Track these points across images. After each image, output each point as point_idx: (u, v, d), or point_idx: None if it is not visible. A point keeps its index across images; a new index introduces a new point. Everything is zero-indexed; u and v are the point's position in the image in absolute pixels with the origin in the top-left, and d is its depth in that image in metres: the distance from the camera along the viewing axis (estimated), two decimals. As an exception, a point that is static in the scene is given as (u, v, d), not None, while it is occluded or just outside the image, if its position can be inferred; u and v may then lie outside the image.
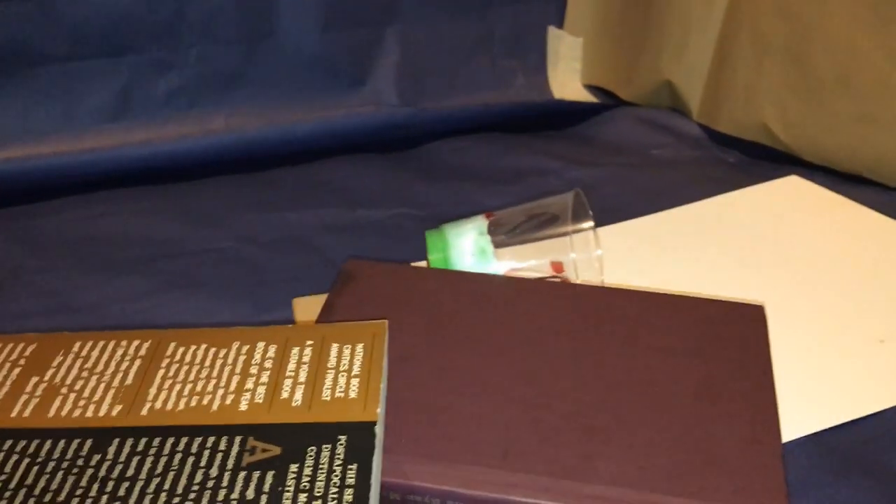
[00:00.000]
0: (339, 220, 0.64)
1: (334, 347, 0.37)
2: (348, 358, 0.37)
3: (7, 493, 0.31)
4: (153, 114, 0.74)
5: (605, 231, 0.62)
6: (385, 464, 0.35)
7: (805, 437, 0.41)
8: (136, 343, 0.38)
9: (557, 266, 0.48)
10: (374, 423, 0.33)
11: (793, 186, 0.68)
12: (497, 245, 0.48)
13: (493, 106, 0.84)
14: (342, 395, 0.35)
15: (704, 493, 0.34)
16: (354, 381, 0.35)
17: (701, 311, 0.44)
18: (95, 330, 0.48)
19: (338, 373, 0.36)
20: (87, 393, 0.35)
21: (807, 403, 0.43)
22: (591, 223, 0.50)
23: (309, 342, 0.38)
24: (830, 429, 0.42)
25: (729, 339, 0.42)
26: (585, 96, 0.88)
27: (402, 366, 0.40)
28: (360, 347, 0.37)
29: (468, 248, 0.48)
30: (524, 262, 0.48)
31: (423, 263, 0.57)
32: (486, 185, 0.71)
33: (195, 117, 0.76)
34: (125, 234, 0.62)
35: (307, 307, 0.49)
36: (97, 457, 0.32)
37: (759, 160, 0.78)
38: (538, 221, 0.49)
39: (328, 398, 0.34)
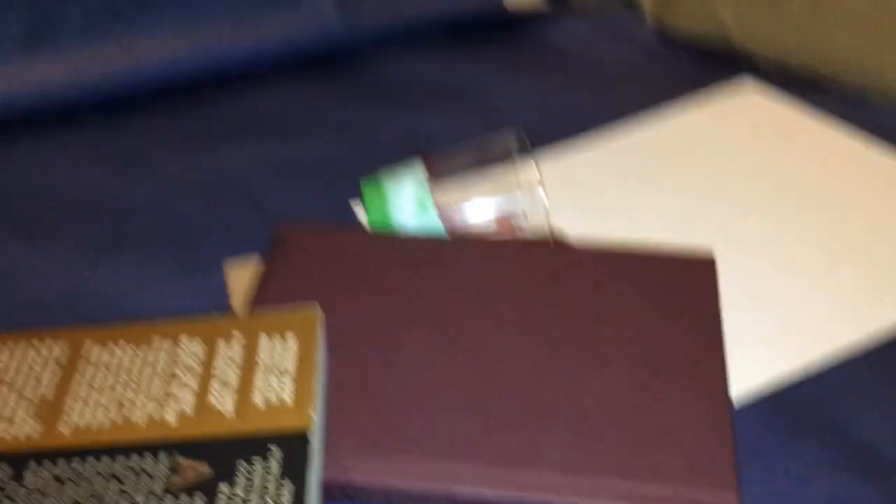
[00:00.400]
0: (275, 156, 0.61)
1: (264, 341, 0.35)
2: (280, 353, 0.34)
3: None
4: (62, 44, 0.68)
5: (549, 163, 0.60)
6: (325, 459, 0.33)
7: (758, 397, 0.40)
8: (51, 345, 0.35)
9: (503, 222, 0.45)
10: (308, 432, 0.31)
11: (744, 95, 0.66)
12: (436, 196, 0.45)
13: (439, 16, 0.79)
14: (274, 398, 0.33)
15: (655, 474, 0.33)
16: (287, 381, 0.33)
17: (650, 268, 0.42)
18: (7, 315, 0.45)
19: (268, 372, 0.34)
20: (-1, 409, 0.33)
21: (759, 352, 0.43)
22: (534, 168, 0.47)
23: (237, 336, 0.35)
24: (783, 388, 0.41)
25: (679, 300, 0.40)
26: (536, 4, 0.83)
27: (341, 347, 0.38)
28: (291, 341, 0.35)
29: (407, 201, 0.45)
30: (467, 214, 0.45)
31: (361, 210, 0.54)
32: (428, 108, 0.67)
33: (112, 45, 0.70)
34: (40, 189, 0.58)
35: (239, 273, 0.46)
36: (13, 484, 0.30)
37: (715, 66, 0.75)
38: (479, 167, 0.46)
39: (259, 403, 0.33)
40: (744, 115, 0.63)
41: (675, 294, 0.41)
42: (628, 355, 0.38)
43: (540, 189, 0.45)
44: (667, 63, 0.75)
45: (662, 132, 0.62)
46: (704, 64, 0.74)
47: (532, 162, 0.46)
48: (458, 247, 0.43)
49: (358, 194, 0.56)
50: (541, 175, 0.47)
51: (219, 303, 0.47)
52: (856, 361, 0.42)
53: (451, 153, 0.48)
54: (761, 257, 0.49)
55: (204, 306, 0.47)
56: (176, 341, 0.35)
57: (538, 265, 0.42)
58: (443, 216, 0.45)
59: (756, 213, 0.53)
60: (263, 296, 0.41)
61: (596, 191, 0.55)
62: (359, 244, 0.44)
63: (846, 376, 0.42)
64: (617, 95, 0.69)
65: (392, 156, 0.61)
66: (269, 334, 0.35)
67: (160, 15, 0.71)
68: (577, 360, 0.38)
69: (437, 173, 0.46)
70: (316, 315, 0.36)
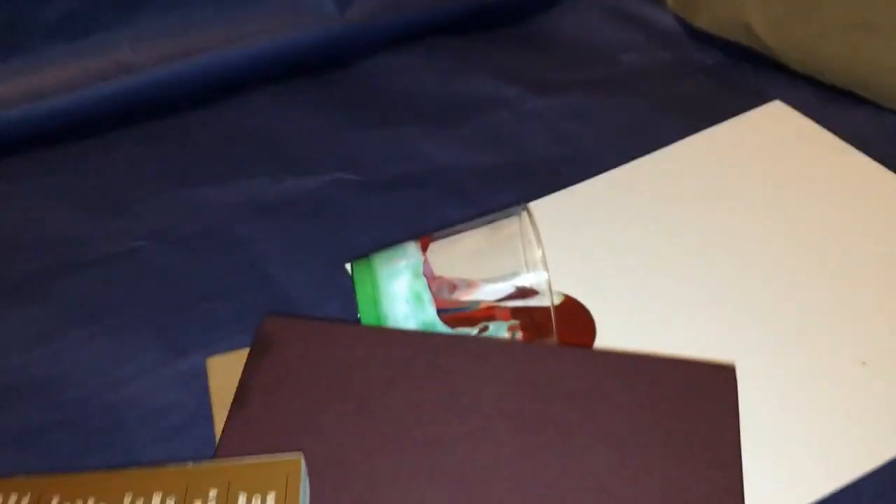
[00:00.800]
0: (265, 195, 0.57)
1: (242, 499, 0.32)
2: (258, 515, 0.32)
3: None
4: (38, 54, 0.64)
5: (559, 196, 0.55)
6: None
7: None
8: (16, 499, 0.33)
9: (504, 313, 0.42)
10: None
11: (772, 119, 0.61)
12: (433, 284, 0.42)
13: (445, 4, 0.73)
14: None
15: None
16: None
17: (664, 379, 0.39)
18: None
19: (246, 542, 0.31)
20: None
21: (782, 478, 0.40)
22: (540, 246, 0.43)
23: (213, 492, 0.33)
24: None
25: (695, 419, 0.37)
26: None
27: (328, 471, 0.35)
28: (271, 497, 0.32)
29: (401, 293, 0.42)
30: (468, 300, 0.42)
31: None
32: (430, 129, 0.62)
33: (90, 50, 0.66)
34: (6, 235, 0.54)
35: (223, 369, 0.43)
36: None
37: (740, 62, 0.69)
38: (483, 247, 0.43)
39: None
40: (768, 153, 0.58)
41: (692, 409, 0.38)
42: (639, 486, 0.35)
43: (545, 272, 0.41)
44: (692, 61, 0.70)
45: (676, 166, 0.57)
46: (733, 59, 0.69)
47: (537, 239, 0.42)
48: (453, 345, 0.40)
49: (357, 244, 0.53)
50: (544, 253, 0.43)
51: (199, 386, 0.44)
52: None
53: (450, 231, 0.44)
54: (783, 358, 0.45)
55: (183, 394, 0.44)
56: (148, 498, 0.33)
57: (539, 369, 0.39)
58: (440, 305, 0.42)
59: (777, 292, 0.49)
60: (245, 401, 0.38)
61: (603, 235, 0.51)
62: (347, 342, 0.40)
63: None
64: (637, 111, 0.64)
65: (391, 193, 0.57)
66: (248, 490, 0.33)
67: (135, 20, 0.66)
68: (577, 486, 0.35)
69: (436, 256, 0.43)
70: (298, 463, 0.33)
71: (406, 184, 0.58)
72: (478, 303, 0.42)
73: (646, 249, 0.51)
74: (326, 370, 0.40)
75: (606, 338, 0.46)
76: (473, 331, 0.42)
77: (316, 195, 0.57)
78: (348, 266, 0.51)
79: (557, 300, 0.48)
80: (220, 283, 0.51)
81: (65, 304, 0.49)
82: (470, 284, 0.42)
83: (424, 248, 0.43)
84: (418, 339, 0.40)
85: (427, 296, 0.41)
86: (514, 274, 0.42)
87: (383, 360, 0.40)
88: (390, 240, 0.53)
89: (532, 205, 0.55)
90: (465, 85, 0.67)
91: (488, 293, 0.42)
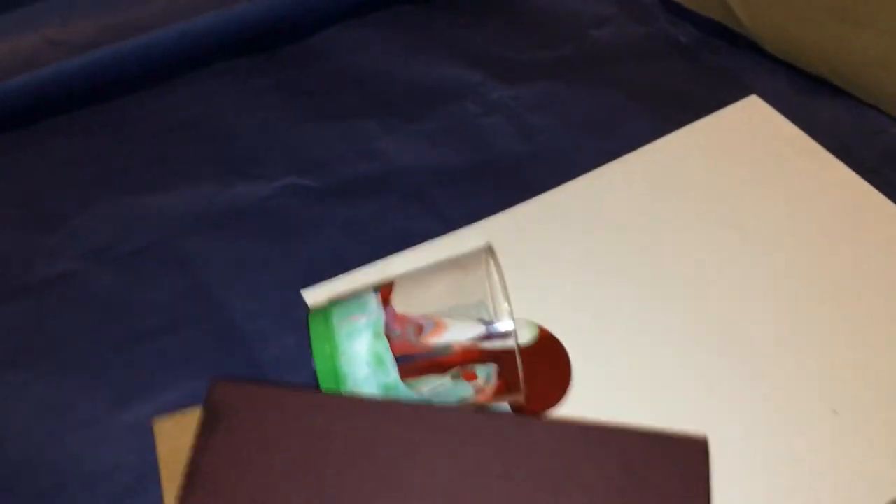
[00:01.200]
0: (212, 204, 0.53)
1: None
2: None
3: None
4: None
5: (527, 208, 0.52)
6: None
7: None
8: None
9: (469, 375, 0.40)
10: None
11: (748, 118, 0.58)
12: (394, 340, 0.39)
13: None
14: None
15: None
16: None
17: (633, 452, 0.37)
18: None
19: None
20: None
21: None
22: (505, 291, 0.41)
23: None
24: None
25: (666, 494, 0.36)
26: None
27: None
28: None
29: (362, 355, 0.39)
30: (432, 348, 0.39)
31: (309, 304, 0.48)
32: (390, 122, 0.58)
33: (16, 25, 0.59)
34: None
35: (171, 433, 0.41)
36: None
37: (715, 40, 0.66)
38: (447, 296, 0.40)
39: None
40: (743, 160, 0.55)
41: (659, 485, 0.36)
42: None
43: (511, 317, 0.39)
44: (666, 36, 0.66)
45: (646, 172, 0.55)
46: (707, 35, 0.65)
47: (502, 285, 0.40)
48: (416, 416, 0.38)
49: (307, 272, 0.50)
50: (510, 302, 0.40)
51: (146, 443, 0.42)
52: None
53: (412, 279, 0.41)
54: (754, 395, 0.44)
55: (129, 451, 0.42)
56: None
57: (505, 442, 0.37)
58: (407, 351, 0.39)
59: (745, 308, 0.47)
60: (196, 485, 0.36)
61: (568, 249, 0.49)
62: (304, 412, 0.38)
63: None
64: (607, 97, 0.60)
65: (348, 201, 0.53)
66: None
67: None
68: None
69: (398, 296, 0.40)
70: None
71: (365, 189, 0.54)
72: (449, 346, 0.39)
73: (615, 268, 0.49)
74: (282, 444, 0.37)
75: (581, 376, 0.44)
76: (446, 377, 0.40)
77: (267, 204, 0.53)
78: (303, 293, 0.48)
79: (532, 334, 0.46)
80: (165, 313, 0.47)
81: (-3, 343, 0.46)
82: (437, 324, 0.40)
83: (385, 301, 0.40)
84: (379, 409, 0.38)
85: (389, 357, 0.39)
86: (482, 321, 0.39)
87: (342, 434, 0.37)
88: (348, 257, 0.50)
89: (499, 217, 0.52)
90: (427, 67, 0.62)
91: (457, 334, 0.39)
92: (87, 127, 0.57)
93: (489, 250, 0.43)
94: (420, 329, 0.39)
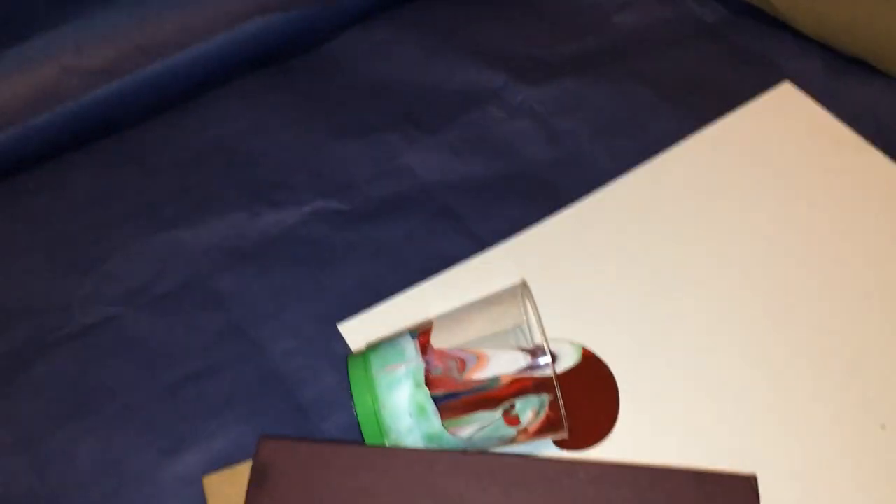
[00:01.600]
0: (242, 236, 0.53)
1: None
2: None
3: None
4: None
5: (561, 219, 0.52)
6: None
7: None
8: None
9: (512, 420, 0.40)
10: None
11: (782, 109, 0.56)
12: (435, 385, 0.39)
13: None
14: None
15: None
16: None
17: (682, 495, 0.37)
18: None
19: None
20: None
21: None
22: (541, 327, 0.40)
23: None
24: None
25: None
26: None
27: None
28: None
29: (403, 406, 0.39)
30: (472, 420, 0.39)
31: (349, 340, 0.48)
32: (413, 134, 0.57)
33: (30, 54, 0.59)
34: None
35: (220, 490, 0.41)
36: None
37: (743, 18, 0.63)
38: (485, 338, 0.40)
39: None
40: (778, 156, 0.54)
41: (710, 527, 0.36)
42: None
43: (547, 353, 0.39)
44: (691, 17, 0.64)
45: (679, 173, 0.53)
46: (734, 14, 0.63)
47: (537, 316, 0.40)
48: (461, 465, 0.38)
49: (340, 303, 0.50)
50: (545, 334, 0.40)
51: (196, 495, 0.43)
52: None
53: (450, 318, 0.41)
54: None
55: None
56: None
57: (551, 488, 0.38)
58: (453, 388, 0.39)
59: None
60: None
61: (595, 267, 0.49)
62: (349, 466, 0.38)
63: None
64: (634, 94, 0.59)
65: (377, 223, 0.53)
66: None
67: (74, 23, 0.59)
68: None
69: (436, 356, 0.40)
70: None
71: (393, 209, 0.54)
72: (497, 379, 0.39)
73: (655, 281, 0.48)
74: (329, 500, 0.38)
75: (627, 396, 0.44)
76: (497, 412, 0.40)
77: (296, 232, 0.53)
78: (340, 328, 0.48)
79: (577, 355, 0.46)
80: (204, 356, 0.48)
81: (41, 398, 0.46)
82: (479, 357, 0.39)
83: (424, 348, 0.40)
84: (423, 460, 0.38)
85: (431, 407, 0.39)
86: (521, 349, 0.39)
87: (388, 488, 0.38)
88: (380, 284, 0.50)
89: (531, 232, 0.52)
90: (446, 70, 0.61)
91: (501, 366, 0.39)
92: (109, 160, 0.57)
93: (524, 286, 0.42)
94: (463, 364, 0.39)
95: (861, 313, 0.46)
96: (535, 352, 0.39)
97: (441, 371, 0.39)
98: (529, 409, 0.39)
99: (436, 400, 0.39)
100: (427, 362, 0.39)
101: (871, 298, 0.47)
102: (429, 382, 0.39)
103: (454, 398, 0.39)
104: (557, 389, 0.39)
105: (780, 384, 0.44)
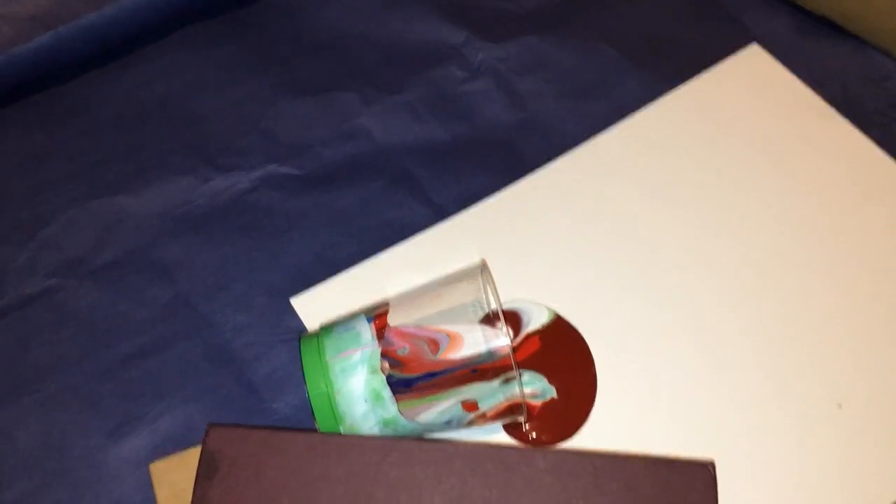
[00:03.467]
0: (189, 202, 0.50)
1: None
2: None
3: None
4: None
5: (523, 186, 0.50)
6: None
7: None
8: None
9: (470, 405, 0.38)
10: None
11: (749, 72, 0.54)
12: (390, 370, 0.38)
13: None
14: None
15: None
16: None
17: (641, 482, 0.37)
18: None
19: None
20: None
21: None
22: (499, 309, 0.39)
23: None
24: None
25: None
26: None
27: None
28: None
29: (358, 391, 0.38)
30: (430, 405, 0.38)
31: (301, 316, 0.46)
32: (370, 94, 0.55)
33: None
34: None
35: (167, 477, 0.40)
36: None
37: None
38: (441, 319, 0.39)
39: None
40: (743, 122, 0.52)
41: (668, 514, 0.36)
42: None
43: (506, 335, 0.38)
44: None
45: (643, 139, 0.52)
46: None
47: (495, 300, 0.38)
48: (417, 452, 0.37)
49: (293, 275, 0.48)
50: (503, 317, 0.39)
51: (143, 478, 0.41)
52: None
53: (407, 298, 0.40)
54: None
55: (127, 488, 0.41)
56: None
57: (509, 475, 0.37)
58: (428, 368, 0.38)
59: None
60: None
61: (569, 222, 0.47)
62: (302, 455, 0.37)
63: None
64: (589, 45, 0.57)
65: (332, 189, 0.51)
66: None
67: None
68: None
69: (397, 335, 0.38)
70: None
71: (349, 175, 0.51)
72: (493, 353, 0.37)
73: (616, 250, 0.47)
74: (281, 490, 0.37)
75: (601, 358, 0.44)
76: (494, 382, 0.38)
77: (247, 199, 0.50)
78: (293, 301, 0.47)
79: (548, 318, 0.45)
80: (151, 331, 0.46)
81: None
82: (451, 338, 0.38)
83: (380, 332, 0.39)
84: (378, 448, 0.37)
85: (387, 393, 0.38)
86: (481, 323, 0.38)
87: (342, 476, 0.37)
88: (335, 255, 0.48)
89: (491, 200, 0.50)
90: (405, 24, 0.58)
91: (473, 345, 0.38)
92: (44, 117, 0.53)
93: (483, 266, 0.41)
94: (434, 343, 0.38)
95: (817, 288, 0.46)
96: (493, 322, 0.38)
97: (408, 351, 0.38)
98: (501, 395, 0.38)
99: (409, 381, 0.37)
100: (391, 343, 0.38)
101: (829, 272, 0.46)
102: (400, 363, 0.37)
103: (429, 378, 0.38)
104: (517, 372, 0.38)
105: (735, 364, 0.44)
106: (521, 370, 0.43)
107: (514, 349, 0.44)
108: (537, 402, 0.42)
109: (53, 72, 0.55)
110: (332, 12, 0.59)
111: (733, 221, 0.48)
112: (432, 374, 0.37)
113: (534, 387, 0.43)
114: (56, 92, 0.55)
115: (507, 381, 0.38)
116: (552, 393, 0.43)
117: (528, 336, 0.45)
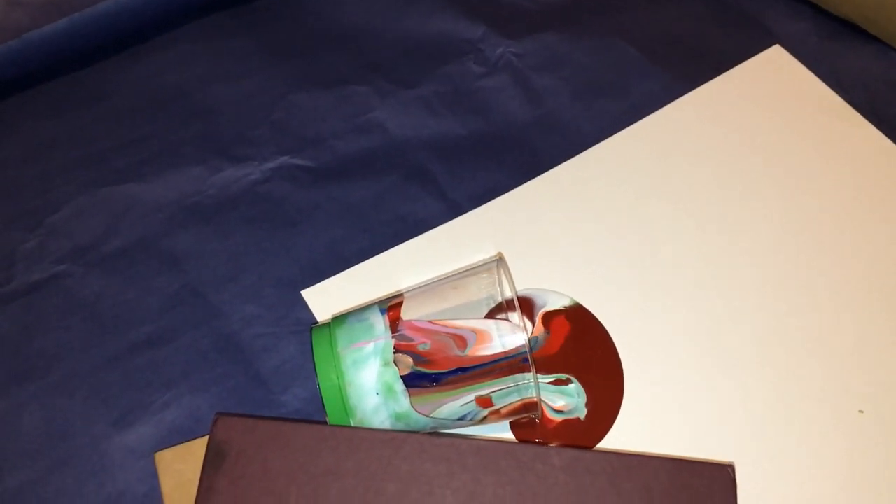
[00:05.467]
0: (200, 192, 0.50)
1: None
2: None
3: None
4: None
5: (538, 184, 0.49)
6: None
7: None
8: None
9: (484, 401, 0.38)
10: None
11: (771, 74, 0.54)
12: (403, 365, 0.37)
13: None
14: None
15: None
16: None
17: (659, 483, 0.36)
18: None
19: None
20: None
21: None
22: (516, 304, 0.38)
23: None
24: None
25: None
26: None
27: None
28: None
29: (370, 384, 0.37)
30: (444, 403, 0.37)
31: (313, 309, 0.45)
32: (385, 88, 0.54)
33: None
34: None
35: (173, 466, 0.39)
36: None
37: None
38: (456, 312, 0.38)
39: None
40: (765, 126, 0.51)
41: (685, 517, 0.35)
42: None
43: (524, 333, 0.37)
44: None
45: (661, 139, 0.51)
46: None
47: (513, 295, 0.37)
48: (428, 448, 0.36)
49: (305, 268, 0.47)
50: (520, 311, 0.38)
51: (148, 468, 0.40)
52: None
53: (422, 292, 0.39)
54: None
55: (132, 477, 0.40)
56: None
57: (524, 474, 0.36)
58: (460, 364, 0.37)
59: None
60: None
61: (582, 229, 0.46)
62: (311, 447, 0.36)
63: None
64: (608, 43, 0.56)
65: (345, 182, 0.50)
66: None
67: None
68: None
69: (406, 330, 0.37)
70: None
71: (363, 168, 0.51)
72: (517, 350, 0.36)
73: (634, 249, 0.47)
74: (289, 483, 0.36)
75: (623, 345, 0.43)
76: (513, 380, 0.37)
77: (259, 190, 0.50)
78: (304, 294, 0.46)
79: (566, 303, 0.44)
80: (159, 320, 0.45)
81: (-16, 360, 0.43)
82: (478, 334, 0.37)
83: (394, 324, 0.38)
84: (388, 442, 0.36)
85: (399, 386, 0.37)
86: (497, 318, 0.37)
87: (351, 470, 0.36)
88: (347, 248, 0.48)
89: (506, 198, 0.49)
90: (422, 17, 0.57)
91: (500, 342, 0.37)
92: (57, 104, 0.53)
93: (500, 260, 0.40)
94: (462, 340, 0.37)
95: (840, 293, 0.45)
96: (509, 312, 0.37)
97: (430, 347, 0.37)
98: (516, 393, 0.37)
99: (437, 377, 0.36)
100: (409, 337, 0.37)
101: (851, 276, 0.45)
102: (426, 359, 0.36)
103: (456, 374, 0.37)
104: (532, 368, 0.37)
105: (757, 367, 0.43)
106: (555, 376, 0.42)
107: (536, 339, 0.43)
108: (558, 419, 0.41)
109: (66, 59, 0.55)
110: (348, 5, 0.58)
111: (752, 224, 0.47)
112: (463, 370, 0.36)
113: (564, 402, 0.42)
114: (68, 79, 0.54)
115: (526, 380, 0.37)
116: (580, 412, 0.41)
117: (552, 315, 0.44)
